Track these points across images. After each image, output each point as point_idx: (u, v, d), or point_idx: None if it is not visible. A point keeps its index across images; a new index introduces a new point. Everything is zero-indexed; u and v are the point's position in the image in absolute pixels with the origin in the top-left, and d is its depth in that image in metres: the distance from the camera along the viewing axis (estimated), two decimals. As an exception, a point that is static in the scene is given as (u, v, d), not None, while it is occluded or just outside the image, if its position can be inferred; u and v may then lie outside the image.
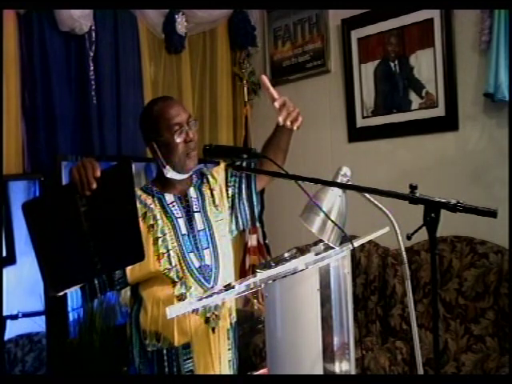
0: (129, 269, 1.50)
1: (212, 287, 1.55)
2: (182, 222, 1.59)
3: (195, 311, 1.55)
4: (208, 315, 1.58)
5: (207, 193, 1.68)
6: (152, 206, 1.59)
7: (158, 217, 1.57)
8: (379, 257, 2.90)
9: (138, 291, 1.58)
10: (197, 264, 1.57)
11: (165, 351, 1.54)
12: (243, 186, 1.72)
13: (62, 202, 1.31)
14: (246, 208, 1.73)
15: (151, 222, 1.57)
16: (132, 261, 1.29)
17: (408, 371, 2.53)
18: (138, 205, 1.57)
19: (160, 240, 1.54)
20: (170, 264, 1.54)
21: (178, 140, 1.55)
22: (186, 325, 1.55)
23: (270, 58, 3.62)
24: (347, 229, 1.35)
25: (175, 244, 1.56)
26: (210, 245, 1.62)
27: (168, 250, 1.54)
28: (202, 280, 1.57)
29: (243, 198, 1.72)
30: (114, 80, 3.00)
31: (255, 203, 1.74)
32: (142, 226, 1.55)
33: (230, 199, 1.72)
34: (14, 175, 2.58)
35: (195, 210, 1.63)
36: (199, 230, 1.61)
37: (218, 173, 1.73)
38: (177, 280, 1.54)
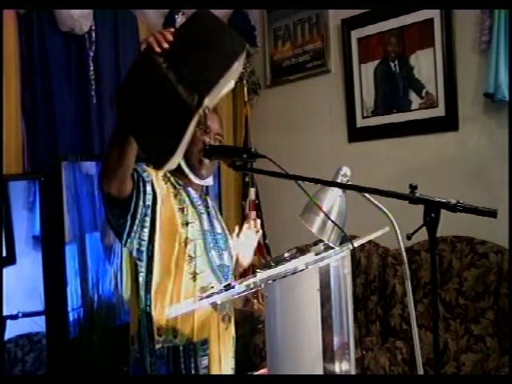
0: (158, 237, 1.47)
1: None
2: (205, 218, 1.59)
3: (215, 307, 1.52)
4: (224, 313, 1.57)
5: (216, 208, 1.73)
6: (181, 190, 1.56)
7: (187, 203, 1.55)
8: (379, 257, 2.90)
9: (152, 284, 1.50)
10: (217, 262, 1.57)
11: (181, 347, 1.50)
12: None
13: (141, 72, 1.24)
14: None
15: (181, 204, 1.53)
16: (236, 52, 1.22)
17: (408, 371, 2.53)
18: (170, 184, 1.54)
19: (190, 225, 1.52)
20: (195, 253, 1.51)
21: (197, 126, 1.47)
22: (205, 320, 1.52)
23: (270, 57, 3.62)
24: (347, 229, 1.35)
25: (200, 236, 1.54)
26: (227, 248, 1.64)
27: (195, 239, 1.52)
28: (222, 278, 1.56)
29: None
30: (114, 80, 3.00)
31: None
32: (174, 203, 1.52)
33: None
34: (14, 175, 2.58)
35: (214, 216, 1.65)
36: (218, 233, 1.62)
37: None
38: (198, 272, 1.51)
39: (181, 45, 1.20)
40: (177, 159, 1.24)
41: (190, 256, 1.50)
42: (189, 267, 1.50)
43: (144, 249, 1.48)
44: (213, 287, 1.50)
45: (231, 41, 1.22)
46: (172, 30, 1.21)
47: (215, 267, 1.56)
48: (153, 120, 1.21)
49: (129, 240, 1.44)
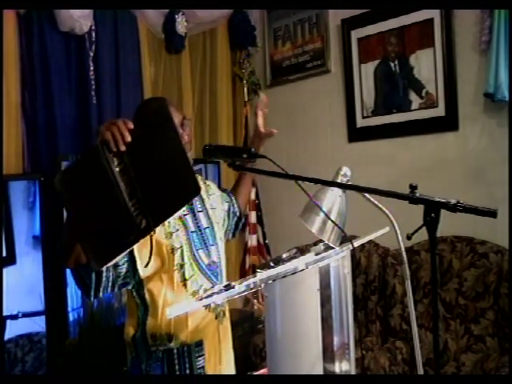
0: (140, 263, 1.47)
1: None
2: (189, 219, 1.59)
3: (208, 307, 1.54)
4: (218, 310, 1.59)
5: (204, 195, 1.71)
6: None
7: None
8: (379, 257, 2.90)
9: (145, 296, 1.53)
10: (206, 261, 1.58)
11: (175, 350, 1.51)
12: (234, 201, 1.86)
13: (92, 170, 1.21)
14: (235, 220, 1.86)
15: None
16: (189, 196, 1.19)
17: (408, 371, 2.53)
18: None
19: (174, 235, 1.52)
20: (183, 260, 1.52)
21: None
22: (200, 322, 1.53)
23: (270, 57, 3.62)
24: (347, 229, 1.35)
25: (186, 241, 1.55)
26: (215, 242, 1.64)
27: (181, 246, 1.53)
28: (212, 277, 1.57)
29: (235, 210, 1.85)
30: (114, 80, 3.00)
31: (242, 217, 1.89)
32: None
33: (225, 212, 1.81)
34: (14, 175, 2.58)
35: (199, 209, 1.64)
36: (205, 228, 1.62)
37: (212, 186, 1.80)
38: (188, 277, 1.52)
39: (138, 152, 1.18)
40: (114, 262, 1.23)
41: (178, 263, 1.52)
42: (178, 274, 1.52)
43: (127, 280, 1.49)
44: (205, 289, 1.51)
45: (188, 181, 1.16)
46: (131, 125, 1.18)
47: (204, 268, 1.56)
48: (95, 222, 1.18)
49: (98, 294, 1.43)
